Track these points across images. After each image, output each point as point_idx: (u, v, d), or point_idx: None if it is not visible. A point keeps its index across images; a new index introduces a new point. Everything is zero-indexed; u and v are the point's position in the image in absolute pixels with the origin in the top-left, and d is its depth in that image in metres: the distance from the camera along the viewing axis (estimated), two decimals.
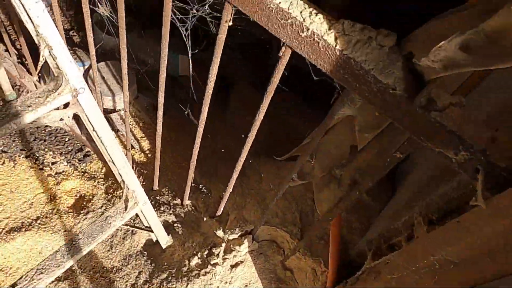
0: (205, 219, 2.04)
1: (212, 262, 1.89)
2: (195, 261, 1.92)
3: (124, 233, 2.11)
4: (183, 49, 2.98)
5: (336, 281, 1.64)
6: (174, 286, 1.88)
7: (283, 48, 1.01)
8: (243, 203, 1.95)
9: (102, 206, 2.29)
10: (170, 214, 2.12)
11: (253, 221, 1.87)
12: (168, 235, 2.05)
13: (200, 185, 2.20)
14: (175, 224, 2.09)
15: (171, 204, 2.16)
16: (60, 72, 1.30)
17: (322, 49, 0.92)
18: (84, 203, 2.33)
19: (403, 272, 1.08)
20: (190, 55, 1.30)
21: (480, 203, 0.85)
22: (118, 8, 1.30)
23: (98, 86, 2.32)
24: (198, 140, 1.58)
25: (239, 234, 1.88)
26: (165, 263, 1.97)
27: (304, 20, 0.91)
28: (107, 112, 2.63)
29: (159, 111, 1.68)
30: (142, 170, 2.38)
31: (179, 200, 2.16)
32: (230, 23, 1.07)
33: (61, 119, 1.44)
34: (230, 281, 1.86)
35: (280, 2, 0.92)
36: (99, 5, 1.48)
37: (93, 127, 1.49)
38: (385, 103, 0.91)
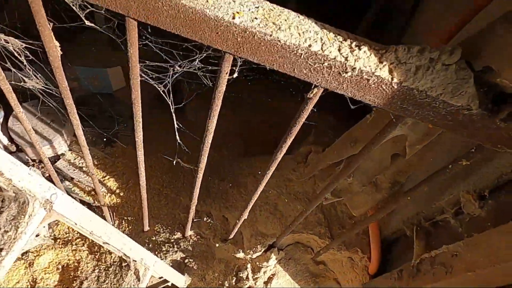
0: (217, 245, 1.87)
1: (245, 287, 1.77)
2: None
3: None
4: (109, 60, 2.57)
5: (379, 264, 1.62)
6: None
7: (315, 90, 0.81)
8: (254, 217, 1.80)
9: (94, 269, 2.02)
10: (176, 251, 1.93)
11: (271, 233, 1.74)
12: (184, 274, 1.88)
13: (196, 210, 2.00)
14: (186, 260, 1.91)
15: (171, 240, 1.96)
16: (17, 189, 0.99)
17: (373, 85, 0.75)
18: (72, 273, 2.04)
19: (485, 268, 1.04)
20: (172, 110, 1.03)
21: None
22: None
23: (35, 140, 1.90)
24: (197, 185, 1.36)
25: (262, 250, 1.76)
26: None
27: (346, 59, 0.71)
28: (52, 162, 2.22)
29: (138, 153, 1.41)
30: (121, 215, 2.10)
31: (179, 233, 1.96)
32: (234, 75, 0.84)
33: (37, 235, 1.15)
34: None
35: (310, 45, 0.71)
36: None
37: (76, 223, 1.22)
38: (457, 122, 0.78)
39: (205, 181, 2.10)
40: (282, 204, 1.76)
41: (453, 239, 1.25)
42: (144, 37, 0.90)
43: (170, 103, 0.97)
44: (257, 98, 2.53)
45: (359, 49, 0.72)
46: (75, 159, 2.31)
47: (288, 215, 1.74)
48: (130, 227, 2.07)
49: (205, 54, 0.84)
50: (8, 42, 0.92)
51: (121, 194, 2.16)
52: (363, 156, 0.98)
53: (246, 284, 1.78)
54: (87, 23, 0.80)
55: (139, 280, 1.56)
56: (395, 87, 0.74)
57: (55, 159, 2.29)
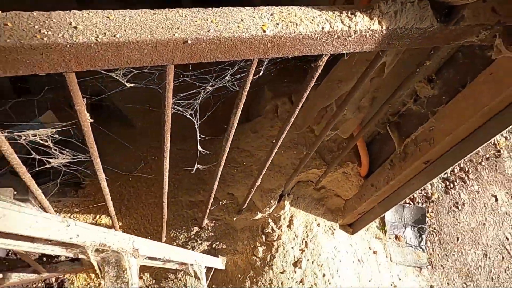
0: (234, 219, 2.06)
1: (274, 238, 2.02)
2: (261, 250, 2.03)
3: None
4: (42, 109, 2.38)
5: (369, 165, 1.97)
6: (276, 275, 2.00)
7: (324, 58, 1.01)
8: (256, 173, 2.00)
9: None
10: (201, 243, 2.08)
11: (277, 185, 1.97)
12: (218, 257, 2.06)
13: (200, 199, 2.13)
14: (214, 245, 2.08)
15: (192, 236, 2.10)
16: (111, 252, 1.07)
17: (369, 37, 0.97)
18: None
19: (458, 128, 1.40)
20: (198, 138, 1.14)
21: (508, 53, 1.14)
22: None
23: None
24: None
25: (275, 203, 2.00)
26: (240, 275, 2.04)
27: (349, 27, 0.92)
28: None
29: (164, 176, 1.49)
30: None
31: (195, 228, 2.10)
32: (260, 73, 0.99)
33: None
34: (296, 233, 2.05)
35: (323, 28, 0.89)
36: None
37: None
38: (425, 38, 1.05)
39: (197, 173, 2.22)
40: (276, 158, 1.99)
41: (420, 121, 1.61)
42: (181, 75, 0.98)
43: (195, 122, 1.07)
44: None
45: (355, 15, 0.93)
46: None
47: (285, 164, 1.98)
48: None
49: (236, 67, 0.97)
50: (36, 135, 0.93)
51: (120, 223, 2.19)
52: (358, 90, 1.23)
53: (274, 236, 2.03)
54: (128, 85, 0.86)
55: (199, 279, 1.71)
56: (385, 32, 0.97)
57: None
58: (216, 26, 0.81)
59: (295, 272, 2.04)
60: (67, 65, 0.75)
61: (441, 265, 2.86)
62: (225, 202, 2.07)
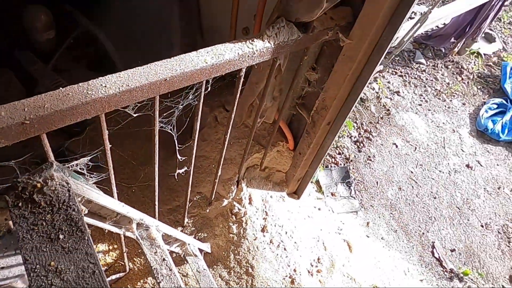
0: (208, 210, 2.60)
1: (242, 215, 2.59)
2: (234, 227, 2.59)
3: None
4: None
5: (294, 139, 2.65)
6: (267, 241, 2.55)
7: (242, 70, 1.64)
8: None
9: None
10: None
11: (233, 174, 2.55)
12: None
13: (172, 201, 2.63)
14: (197, 236, 2.60)
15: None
16: (144, 223, 1.58)
17: (265, 51, 1.61)
18: None
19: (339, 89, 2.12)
20: (177, 150, 1.69)
21: (348, 41, 1.86)
22: None
23: None
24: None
25: (235, 188, 2.57)
26: (223, 252, 2.57)
27: (253, 48, 1.55)
28: None
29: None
30: (129, 259, 2.58)
31: (179, 227, 2.59)
32: (209, 89, 1.58)
33: None
34: (257, 207, 2.65)
35: (239, 53, 1.52)
36: None
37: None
38: (297, 43, 1.73)
39: (167, 185, 2.72)
40: (226, 153, 2.56)
41: (316, 96, 2.31)
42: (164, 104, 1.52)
43: (174, 135, 1.62)
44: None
45: (254, 41, 1.57)
46: None
47: (234, 156, 2.57)
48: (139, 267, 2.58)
49: (194, 88, 1.53)
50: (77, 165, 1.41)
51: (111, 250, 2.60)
52: (268, 86, 1.88)
53: (241, 213, 2.61)
54: (134, 115, 1.39)
55: (196, 256, 2.22)
56: (273, 46, 1.62)
57: None
58: (179, 66, 1.39)
59: (264, 236, 2.63)
60: (103, 108, 1.27)
61: (371, 205, 3.65)
62: (196, 199, 2.60)
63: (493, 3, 4.36)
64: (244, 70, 1.64)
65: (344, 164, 3.85)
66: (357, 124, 4.24)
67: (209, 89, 1.58)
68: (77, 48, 3.24)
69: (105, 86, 1.25)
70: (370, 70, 1.96)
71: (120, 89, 1.27)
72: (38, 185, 0.94)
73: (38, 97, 1.16)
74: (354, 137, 4.13)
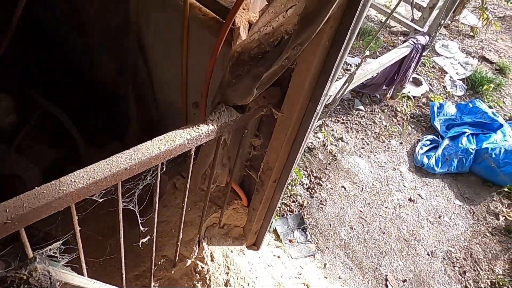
0: (172, 272, 2.77)
1: (205, 273, 2.78)
2: (199, 285, 2.76)
3: None
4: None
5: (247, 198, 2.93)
6: None
7: (193, 149, 1.93)
8: (178, 238, 2.76)
9: None
10: None
11: (194, 235, 2.76)
12: None
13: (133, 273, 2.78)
14: None
15: None
16: None
17: (210, 133, 1.92)
18: None
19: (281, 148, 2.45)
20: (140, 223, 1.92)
21: (280, 114, 2.22)
22: None
23: None
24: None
25: (197, 246, 2.77)
26: None
27: (199, 132, 1.86)
28: None
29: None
30: None
31: None
32: (164, 169, 1.85)
33: None
34: (218, 263, 2.85)
35: (188, 137, 1.81)
36: None
37: None
38: (239, 121, 2.05)
39: (133, 253, 2.86)
40: (186, 217, 2.78)
41: (261, 159, 2.63)
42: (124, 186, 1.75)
43: (136, 211, 1.85)
44: None
45: (199, 126, 1.87)
46: None
47: (193, 218, 2.80)
48: None
49: (151, 171, 1.79)
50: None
51: None
52: (217, 156, 2.19)
53: (205, 271, 2.80)
54: (100, 200, 1.62)
55: None
56: (216, 127, 1.94)
57: None
58: (137, 156, 1.66)
59: None
60: (74, 200, 1.50)
61: (326, 247, 3.94)
62: (161, 262, 2.77)
63: (411, 56, 5.04)
64: (193, 150, 1.93)
65: (299, 211, 4.15)
66: (307, 171, 4.61)
67: (164, 169, 1.85)
68: (38, 127, 3.43)
69: (75, 181, 1.49)
70: (303, 135, 2.32)
71: (87, 182, 1.51)
72: (24, 277, 1.15)
73: (17, 198, 1.38)
74: (306, 184, 4.47)
